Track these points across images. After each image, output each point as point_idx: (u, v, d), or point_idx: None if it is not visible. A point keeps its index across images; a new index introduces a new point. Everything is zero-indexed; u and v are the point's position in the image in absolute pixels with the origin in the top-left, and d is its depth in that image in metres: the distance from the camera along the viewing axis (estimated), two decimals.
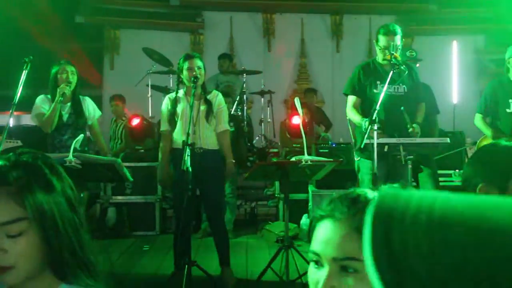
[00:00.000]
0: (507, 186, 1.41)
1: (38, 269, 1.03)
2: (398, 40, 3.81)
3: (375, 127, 3.33)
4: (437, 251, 0.39)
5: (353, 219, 0.89)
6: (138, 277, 4.15)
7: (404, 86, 3.89)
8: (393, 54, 3.67)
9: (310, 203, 5.32)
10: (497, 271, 0.38)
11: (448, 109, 6.65)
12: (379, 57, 3.92)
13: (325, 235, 0.92)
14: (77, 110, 4.06)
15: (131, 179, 3.46)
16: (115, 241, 5.23)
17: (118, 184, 5.60)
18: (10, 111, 3.31)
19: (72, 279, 1.04)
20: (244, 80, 6.84)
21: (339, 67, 8.47)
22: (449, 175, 5.10)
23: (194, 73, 3.72)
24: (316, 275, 0.91)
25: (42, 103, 4.02)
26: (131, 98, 6.90)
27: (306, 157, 3.51)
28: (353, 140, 4.22)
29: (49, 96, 4.05)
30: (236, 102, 6.40)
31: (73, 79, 4.00)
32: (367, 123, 3.43)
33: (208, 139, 3.83)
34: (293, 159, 3.61)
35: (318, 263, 0.92)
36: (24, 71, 3.28)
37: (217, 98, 3.91)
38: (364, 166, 3.87)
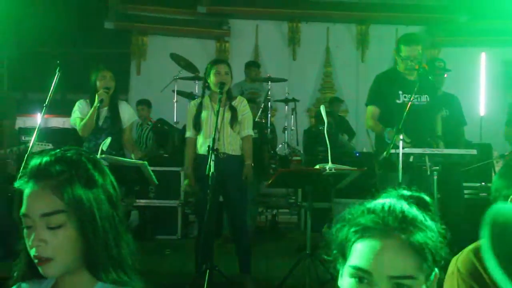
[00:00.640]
0: None
1: (76, 263, 1.06)
2: (420, 49, 3.74)
3: (401, 136, 3.29)
4: None
5: (407, 235, 0.86)
6: (159, 280, 4.18)
7: (427, 95, 3.83)
8: (422, 64, 3.63)
9: (332, 212, 5.30)
10: None
11: (475, 121, 6.55)
12: (400, 66, 3.85)
13: (376, 252, 0.86)
14: (114, 114, 4.12)
15: (157, 182, 3.50)
16: (137, 243, 5.26)
17: (142, 188, 5.66)
18: (42, 113, 3.39)
19: (102, 276, 1.06)
20: (269, 87, 6.87)
21: (364, 76, 8.41)
22: (475, 188, 5.01)
23: (221, 77, 3.75)
24: None
25: (81, 107, 4.10)
26: (157, 103, 7.00)
27: (330, 165, 3.50)
28: (373, 150, 4.18)
29: (88, 101, 4.13)
30: (260, 109, 6.42)
31: (111, 84, 4.07)
32: (391, 133, 3.39)
33: (232, 145, 3.84)
34: (316, 166, 3.60)
35: (364, 281, 0.87)
36: (57, 74, 3.35)
37: (241, 104, 3.92)
38: (385, 178, 3.82)
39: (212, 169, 3.43)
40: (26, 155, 3.05)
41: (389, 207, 0.90)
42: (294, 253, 4.82)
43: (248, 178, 3.88)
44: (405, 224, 0.87)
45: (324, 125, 3.69)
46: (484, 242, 0.59)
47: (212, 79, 3.79)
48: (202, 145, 3.80)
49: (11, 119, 7.03)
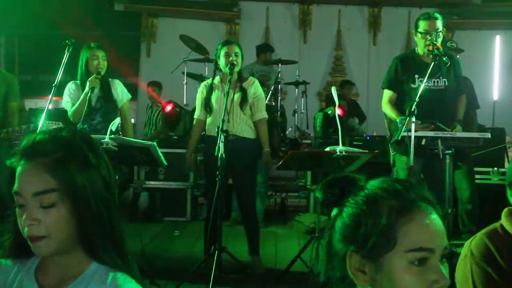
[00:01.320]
0: None
1: (69, 243, 1.05)
2: (440, 25, 3.63)
3: (413, 119, 3.23)
4: None
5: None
6: (168, 261, 4.20)
7: (445, 79, 3.72)
8: (435, 44, 3.55)
9: None
10: None
11: (488, 105, 6.45)
12: (419, 47, 3.74)
13: (436, 226, 0.88)
14: (106, 93, 3.91)
15: (166, 163, 3.48)
16: (146, 225, 5.31)
17: (151, 170, 5.67)
18: (51, 94, 3.38)
19: (103, 256, 1.05)
20: (279, 70, 6.81)
21: (375, 60, 8.32)
22: (487, 173, 4.94)
23: (231, 59, 3.70)
24: (425, 276, 0.85)
25: (71, 92, 3.89)
26: (167, 85, 6.97)
27: (340, 147, 3.46)
28: (388, 134, 4.13)
29: (78, 82, 3.90)
30: (270, 92, 6.38)
31: (104, 65, 3.83)
32: (404, 121, 3.32)
33: (242, 127, 3.81)
34: (327, 149, 3.57)
35: (422, 262, 0.85)
36: (66, 53, 3.33)
37: (253, 85, 3.87)
38: (399, 161, 3.78)
39: (221, 151, 3.41)
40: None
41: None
42: (303, 236, 4.83)
43: (267, 164, 3.93)
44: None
45: (335, 106, 3.65)
46: None
47: (222, 60, 3.75)
48: (212, 126, 3.78)
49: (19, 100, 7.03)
